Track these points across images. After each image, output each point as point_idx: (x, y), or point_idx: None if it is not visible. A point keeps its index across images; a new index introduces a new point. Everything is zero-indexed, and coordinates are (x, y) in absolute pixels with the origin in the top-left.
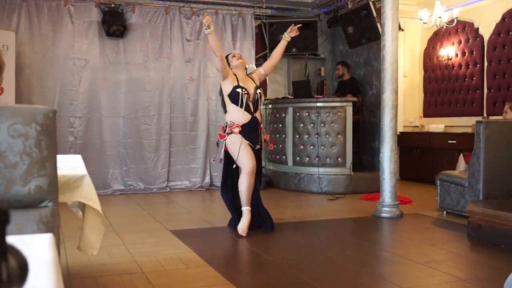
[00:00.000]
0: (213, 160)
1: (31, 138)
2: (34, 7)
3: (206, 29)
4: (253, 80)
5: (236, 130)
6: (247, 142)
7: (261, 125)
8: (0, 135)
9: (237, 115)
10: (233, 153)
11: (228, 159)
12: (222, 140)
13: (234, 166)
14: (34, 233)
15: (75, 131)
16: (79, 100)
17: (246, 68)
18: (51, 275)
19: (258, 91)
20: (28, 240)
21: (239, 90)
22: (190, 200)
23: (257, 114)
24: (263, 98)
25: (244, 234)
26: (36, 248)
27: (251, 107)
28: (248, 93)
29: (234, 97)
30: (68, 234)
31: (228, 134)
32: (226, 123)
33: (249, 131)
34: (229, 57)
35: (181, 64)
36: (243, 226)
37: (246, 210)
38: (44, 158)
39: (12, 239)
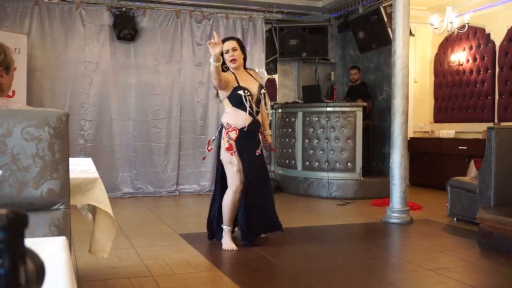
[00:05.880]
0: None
1: (44, 141)
2: (46, 10)
3: (214, 62)
4: (253, 77)
5: (233, 135)
6: (238, 158)
7: (262, 128)
8: (13, 138)
9: (236, 118)
10: (225, 163)
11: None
12: (228, 151)
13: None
14: (45, 236)
15: (86, 134)
16: (89, 103)
17: (244, 61)
18: (66, 278)
19: (262, 91)
20: (42, 243)
21: (240, 92)
22: (199, 204)
23: (258, 117)
24: (267, 99)
25: (235, 249)
26: (50, 251)
27: (254, 108)
28: (251, 94)
29: (235, 100)
30: (77, 237)
31: (226, 138)
32: (222, 124)
33: (247, 137)
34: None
35: (192, 68)
36: (229, 244)
37: (226, 229)
38: (56, 161)
39: (28, 242)
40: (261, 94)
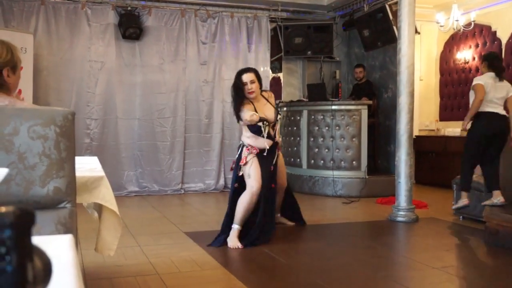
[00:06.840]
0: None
1: (50, 140)
2: (52, 10)
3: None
4: (268, 101)
5: (254, 152)
6: (258, 162)
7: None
8: (20, 136)
9: (257, 142)
10: (246, 175)
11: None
12: (241, 164)
13: (236, 185)
14: (52, 234)
15: (91, 133)
16: (95, 102)
17: (260, 88)
18: (72, 275)
19: (279, 116)
20: (49, 241)
21: (260, 124)
22: (204, 202)
23: (276, 138)
24: (279, 121)
25: (240, 247)
26: (56, 249)
27: (271, 133)
28: (269, 124)
29: (255, 128)
30: (83, 235)
31: (247, 155)
32: (243, 143)
33: (268, 154)
34: (242, 81)
35: (197, 67)
36: (234, 242)
37: (236, 228)
38: (63, 160)
39: (35, 240)
40: (277, 120)
